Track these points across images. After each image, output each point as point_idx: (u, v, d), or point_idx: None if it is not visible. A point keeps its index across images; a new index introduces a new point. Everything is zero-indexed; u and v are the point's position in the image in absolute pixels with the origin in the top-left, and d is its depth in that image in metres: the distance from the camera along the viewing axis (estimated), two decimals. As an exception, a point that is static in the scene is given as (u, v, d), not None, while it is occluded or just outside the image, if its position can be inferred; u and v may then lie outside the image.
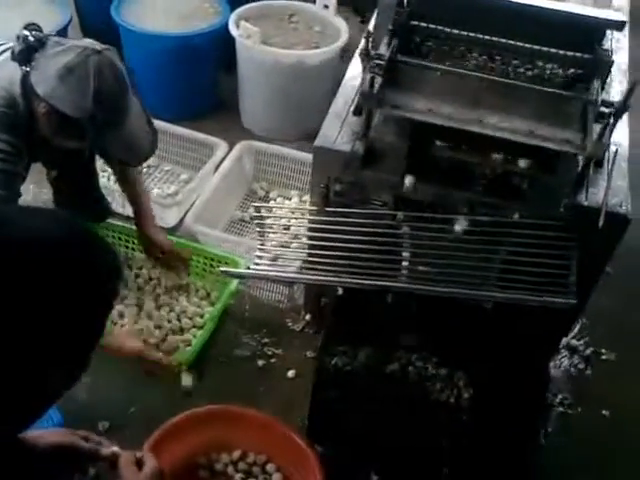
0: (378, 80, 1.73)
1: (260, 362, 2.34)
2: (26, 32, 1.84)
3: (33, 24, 1.89)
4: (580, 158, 1.81)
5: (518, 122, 1.74)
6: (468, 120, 1.75)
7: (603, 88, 1.78)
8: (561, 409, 2.23)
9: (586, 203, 1.78)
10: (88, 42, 1.87)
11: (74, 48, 1.81)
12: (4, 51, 1.94)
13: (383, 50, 1.77)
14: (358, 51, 1.84)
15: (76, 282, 0.96)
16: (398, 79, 1.79)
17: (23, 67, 1.84)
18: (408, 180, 1.82)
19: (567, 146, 1.72)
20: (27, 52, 1.83)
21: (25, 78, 1.85)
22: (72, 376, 1.05)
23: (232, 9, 3.08)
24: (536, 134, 1.72)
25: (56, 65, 1.78)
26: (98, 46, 1.84)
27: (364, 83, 1.76)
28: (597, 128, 1.67)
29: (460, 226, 1.82)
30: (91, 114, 1.79)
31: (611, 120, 1.65)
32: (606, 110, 1.67)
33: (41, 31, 1.87)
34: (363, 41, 1.79)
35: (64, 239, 0.98)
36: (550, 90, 1.75)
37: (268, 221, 2.16)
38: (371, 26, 2.08)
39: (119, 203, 2.65)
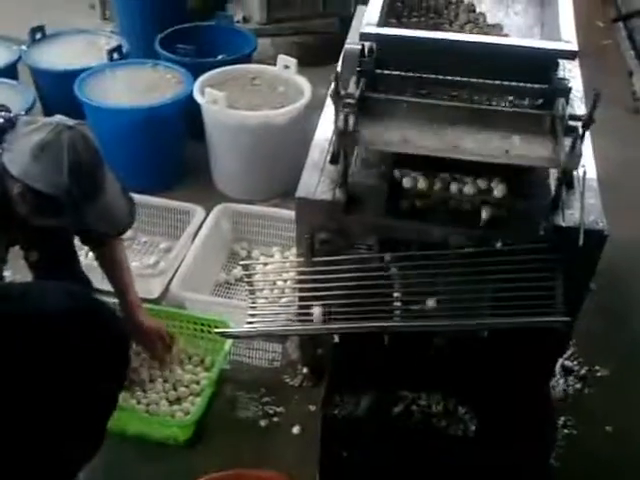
0: (351, 118, 1.78)
1: (263, 422, 2.32)
2: None
3: (1, 105, 1.91)
4: (552, 181, 1.88)
5: (492, 144, 1.80)
6: (443, 148, 1.80)
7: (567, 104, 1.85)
8: (566, 431, 2.25)
9: (564, 224, 1.84)
10: (58, 118, 1.87)
11: (46, 125, 1.82)
12: None
13: (352, 89, 1.82)
14: (329, 92, 1.88)
15: (91, 353, 0.97)
16: (370, 115, 1.83)
17: None
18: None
19: (543, 162, 1.78)
20: None
21: None
22: (89, 449, 1.04)
23: (194, 78, 3.15)
24: (511, 154, 1.77)
25: (29, 144, 1.78)
26: (69, 121, 1.85)
27: (338, 123, 1.80)
28: (567, 142, 1.73)
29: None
30: (67, 189, 1.79)
31: (580, 132, 1.72)
32: (574, 124, 1.74)
33: (10, 112, 1.89)
34: (332, 83, 1.85)
35: (76, 312, 0.99)
36: (519, 110, 1.82)
37: (256, 277, 2.18)
38: (338, 68, 2.13)
39: (97, 279, 2.62)
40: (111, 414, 1.04)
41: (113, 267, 2.29)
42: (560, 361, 2.41)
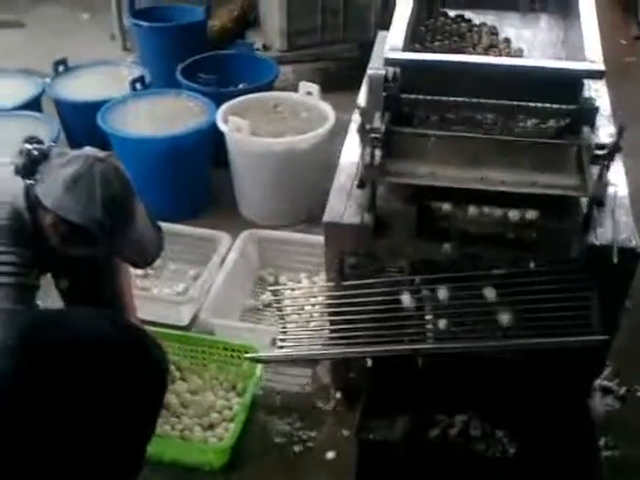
0: (377, 152, 1.80)
1: (296, 448, 2.30)
2: (28, 146, 1.88)
3: (33, 137, 1.93)
4: (583, 201, 1.88)
5: (519, 175, 1.81)
6: (471, 179, 1.81)
7: (593, 132, 1.86)
8: (608, 452, 2.21)
9: (597, 242, 1.83)
10: (90, 151, 1.90)
11: (78, 158, 1.85)
12: (3, 168, 1.99)
13: (378, 123, 1.84)
14: (355, 127, 1.91)
15: (134, 375, 0.99)
16: (396, 148, 1.86)
17: (27, 180, 1.87)
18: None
19: (570, 191, 1.79)
20: (31, 165, 1.86)
21: (29, 191, 1.88)
22: (129, 475, 1.04)
23: (217, 106, 3.18)
24: (538, 184, 1.79)
25: (62, 176, 1.81)
26: (101, 154, 1.89)
27: (364, 156, 1.82)
28: (594, 170, 1.75)
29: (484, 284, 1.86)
30: (100, 221, 1.82)
31: (606, 161, 1.73)
32: (600, 152, 1.74)
33: (42, 143, 1.92)
34: (358, 117, 1.87)
35: (121, 338, 1.01)
36: (545, 140, 1.83)
37: (286, 302, 2.19)
38: (361, 100, 2.16)
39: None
40: (150, 440, 1.04)
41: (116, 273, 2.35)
42: (598, 381, 2.38)
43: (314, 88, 3.23)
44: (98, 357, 0.95)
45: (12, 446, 0.91)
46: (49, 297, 2.50)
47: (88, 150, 1.92)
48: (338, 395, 2.42)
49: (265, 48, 4.18)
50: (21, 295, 1.85)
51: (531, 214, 1.86)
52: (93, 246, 1.93)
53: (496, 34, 2.32)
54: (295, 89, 3.36)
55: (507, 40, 2.28)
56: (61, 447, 0.92)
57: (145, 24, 3.98)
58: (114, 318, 1.07)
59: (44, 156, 1.87)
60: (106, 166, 1.86)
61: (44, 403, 0.91)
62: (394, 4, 2.21)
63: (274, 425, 2.38)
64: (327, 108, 3.16)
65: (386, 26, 2.14)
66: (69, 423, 0.92)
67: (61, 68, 3.60)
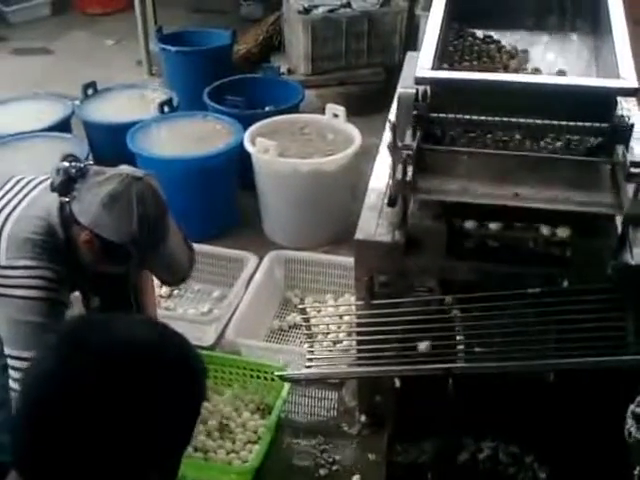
0: (409, 169, 1.79)
1: (322, 471, 2.27)
2: (66, 164, 1.88)
3: (71, 155, 1.93)
4: (618, 219, 1.85)
5: (552, 192, 1.79)
6: (503, 195, 1.80)
7: (627, 151, 1.84)
8: (641, 481, 2.15)
9: (633, 262, 1.80)
10: (126, 169, 1.92)
11: (115, 177, 1.86)
12: (38, 184, 1.99)
13: (409, 141, 1.84)
14: (385, 144, 1.90)
15: (175, 381, 0.99)
16: (427, 165, 1.86)
17: (62, 198, 1.87)
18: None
19: (605, 208, 1.77)
20: (68, 183, 1.86)
21: (63, 207, 1.88)
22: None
23: (244, 128, 3.20)
24: (572, 200, 1.77)
25: (99, 194, 1.82)
26: (138, 172, 1.90)
27: (396, 173, 1.82)
28: (629, 188, 1.72)
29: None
30: (136, 239, 1.83)
31: (643, 179, 1.71)
32: (635, 170, 1.72)
33: (80, 161, 1.91)
34: (389, 134, 1.86)
35: (161, 341, 1.01)
36: (579, 158, 1.82)
37: (314, 321, 2.17)
38: (392, 117, 2.16)
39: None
40: (185, 449, 1.04)
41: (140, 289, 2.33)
42: (631, 408, 2.32)
43: (340, 110, 3.25)
44: (139, 363, 0.96)
45: (50, 446, 0.91)
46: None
47: (125, 169, 1.93)
48: (363, 418, 2.38)
49: (290, 72, 4.20)
50: (52, 310, 1.85)
51: (564, 231, 1.83)
52: (127, 264, 1.94)
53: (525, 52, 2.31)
54: (319, 112, 3.38)
55: (538, 71, 2.26)
56: (97, 453, 0.92)
57: (172, 49, 4.04)
58: (157, 325, 1.07)
59: (81, 174, 1.87)
60: (143, 185, 1.86)
61: (83, 405, 0.91)
62: (418, 29, 2.22)
63: (299, 447, 2.35)
64: (353, 130, 3.17)
65: (410, 49, 2.15)
66: (107, 428, 0.92)
67: (90, 91, 3.65)
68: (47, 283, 1.84)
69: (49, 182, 1.92)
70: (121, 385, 0.92)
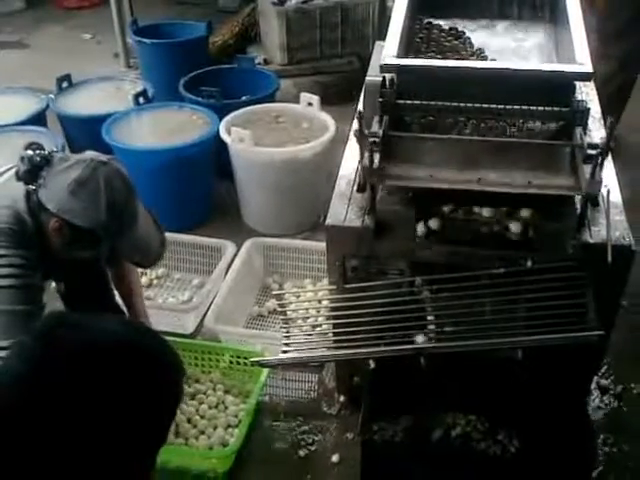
0: (376, 156, 1.84)
1: (302, 452, 2.33)
2: (30, 152, 1.89)
3: (34, 143, 1.95)
4: (578, 200, 1.92)
5: (515, 176, 1.85)
6: (468, 180, 1.85)
7: (585, 134, 1.90)
8: (606, 449, 2.24)
9: (592, 240, 1.87)
10: (91, 154, 1.93)
11: (81, 162, 1.86)
12: (2, 173, 2.00)
13: (376, 128, 1.89)
14: (352, 132, 1.95)
15: (150, 380, 1.00)
16: (394, 152, 1.90)
17: (29, 186, 1.88)
18: (420, 228, 1.91)
19: (564, 190, 1.83)
20: (33, 171, 1.87)
21: (29, 195, 1.89)
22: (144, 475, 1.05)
23: (219, 118, 3.24)
24: (534, 184, 1.83)
25: (66, 180, 1.83)
26: (103, 157, 1.91)
27: (364, 160, 1.87)
28: (587, 169, 1.78)
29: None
30: (105, 223, 1.84)
31: (599, 160, 1.77)
32: (592, 152, 1.78)
33: (43, 149, 1.93)
34: (356, 122, 1.91)
35: (135, 340, 1.03)
36: (540, 142, 1.88)
37: (291, 307, 2.22)
38: (360, 106, 2.21)
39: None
40: (162, 445, 1.04)
41: (123, 282, 2.38)
42: (595, 380, 2.41)
43: (314, 99, 3.29)
44: (114, 361, 0.96)
45: (25, 447, 0.91)
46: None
47: (90, 154, 1.93)
48: (342, 399, 2.44)
49: (266, 62, 4.25)
50: (29, 296, 1.87)
51: (526, 213, 1.90)
52: (97, 248, 1.96)
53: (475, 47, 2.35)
54: (296, 102, 3.42)
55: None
56: (73, 450, 0.92)
57: (148, 41, 4.06)
58: (131, 323, 1.09)
59: (46, 161, 1.89)
60: (109, 169, 1.87)
61: (58, 404, 0.91)
62: (390, 19, 2.26)
63: (279, 430, 2.41)
64: (327, 118, 3.22)
65: (384, 37, 2.19)
66: (81, 426, 0.92)
67: (65, 84, 3.65)
68: (20, 270, 1.85)
69: (14, 171, 1.93)
70: (95, 384, 0.93)
